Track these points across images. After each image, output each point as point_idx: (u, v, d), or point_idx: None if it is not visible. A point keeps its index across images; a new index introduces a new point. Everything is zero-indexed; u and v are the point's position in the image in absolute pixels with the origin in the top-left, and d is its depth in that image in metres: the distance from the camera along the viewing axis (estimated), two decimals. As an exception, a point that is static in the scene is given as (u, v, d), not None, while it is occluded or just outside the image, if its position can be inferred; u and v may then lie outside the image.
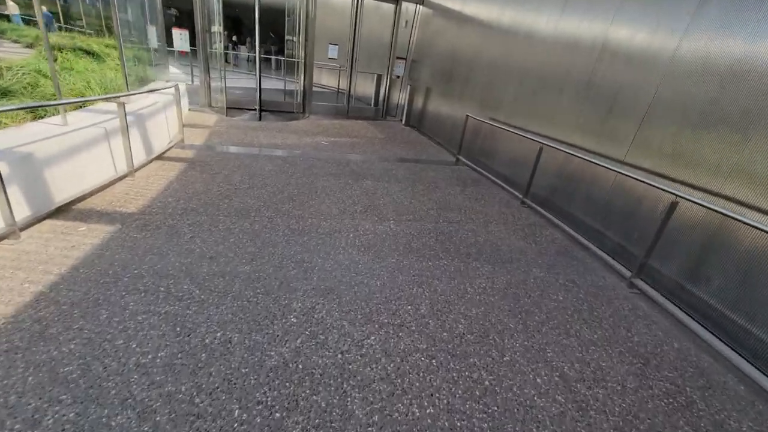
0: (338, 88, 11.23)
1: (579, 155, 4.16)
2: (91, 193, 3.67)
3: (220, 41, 7.97)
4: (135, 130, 4.55)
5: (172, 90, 5.69)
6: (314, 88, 14.62)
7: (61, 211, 3.24)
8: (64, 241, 2.81)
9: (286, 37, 8.85)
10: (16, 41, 11.87)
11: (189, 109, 8.03)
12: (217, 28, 7.98)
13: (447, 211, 4.51)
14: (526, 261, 3.56)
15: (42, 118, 4.16)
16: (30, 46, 10.76)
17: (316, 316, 2.38)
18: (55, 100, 4.18)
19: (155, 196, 3.87)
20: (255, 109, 8.14)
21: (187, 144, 5.83)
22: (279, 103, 9.17)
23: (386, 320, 2.45)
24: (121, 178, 4.16)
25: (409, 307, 2.62)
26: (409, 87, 9.10)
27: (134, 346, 1.93)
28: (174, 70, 9.18)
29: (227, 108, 8.20)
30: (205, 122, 7.29)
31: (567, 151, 4.33)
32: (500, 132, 5.83)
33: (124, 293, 2.32)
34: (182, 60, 14.14)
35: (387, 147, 7.31)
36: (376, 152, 6.83)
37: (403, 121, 9.46)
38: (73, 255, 2.64)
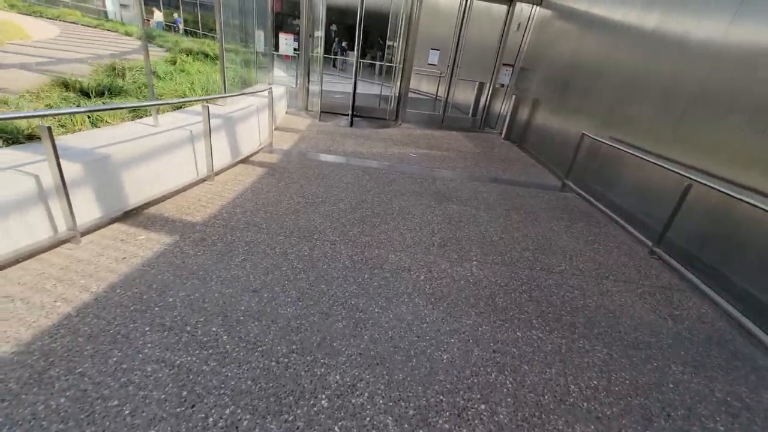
0: (436, 96, 10.62)
1: (752, 202, 2.94)
2: (167, 197, 3.63)
3: (321, 45, 7.96)
4: (223, 132, 4.52)
5: (267, 93, 5.68)
6: (412, 95, 14.28)
7: (131, 215, 3.20)
8: (119, 250, 2.68)
9: (387, 42, 8.53)
10: (160, 46, 13.66)
11: (286, 112, 8.18)
12: (321, 32, 7.99)
13: (547, 255, 3.61)
14: (660, 349, 2.54)
15: (140, 118, 4.32)
16: (169, 49, 12.24)
17: (354, 401, 1.81)
18: (154, 100, 4.32)
19: (225, 204, 3.70)
20: (347, 115, 7.96)
21: (275, 148, 5.78)
22: (372, 109, 8.91)
23: (447, 426, 1.77)
24: (200, 182, 4.11)
25: (483, 406, 1.90)
26: (514, 97, 8.11)
27: (126, 413, 1.57)
28: (280, 73, 9.51)
29: (321, 112, 8.17)
30: (297, 126, 7.29)
31: (733, 194, 3.11)
32: (626, 157, 4.65)
33: (147, 329, 2.03)
34: (290, 63, 14.90)
35: (481, 164, 6.49)
36: (467, 169, 6.07)
37: (503, 135, 8.48)
38: (119, 269, 2.48)
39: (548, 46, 7.49)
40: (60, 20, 20.34)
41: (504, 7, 8.21)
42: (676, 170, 3.73)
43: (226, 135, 4.62)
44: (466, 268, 3.17)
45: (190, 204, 3.60)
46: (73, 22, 20.38)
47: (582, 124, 5.75)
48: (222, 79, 5.34)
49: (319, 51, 8.01)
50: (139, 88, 5.35)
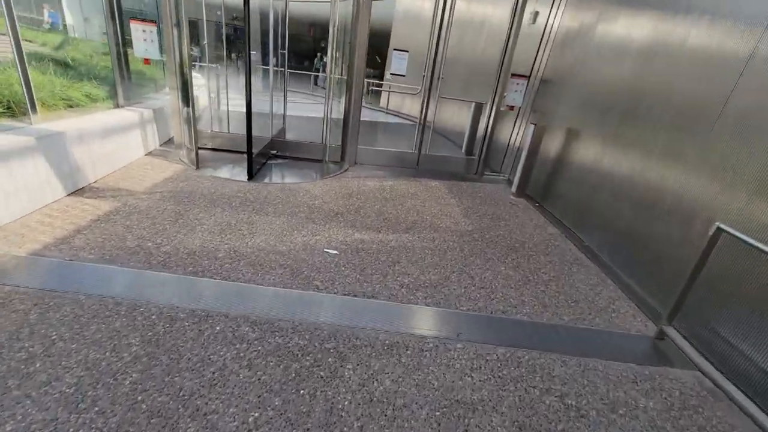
0: (422, 120, 7.19)
1: None
2: None
3: (181, 43, 4.79)
4: None
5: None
6: (390, 118, 11.10)
7: None
8: None
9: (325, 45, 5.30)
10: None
11: (149, 153, 4.89)
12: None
13: None
14: None
15: None
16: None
17: None
18: None
19: None
20: (257, 154, 4.67)
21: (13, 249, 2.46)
22: (300, 145, 5.64)
23: None
24: None
25: None
26: (532, 127, 4.84)
27: None
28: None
29: (204, 150, 4.90)
30: (143, 181, 4.00)
31: None
32: None
33: None
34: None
35: (473, 267, 3.17)
36: (443, 289, 2.75)
37: (514, 187, 5.18)
38: None
39: (597, 41, 4.27)
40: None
41: (512, -17, 5.06)
42: None
43: None
44: None
45: None
46: None
47: (702, 196, 2.47)
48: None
49: (184, 52, 4.79)
50: None
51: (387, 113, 12.00)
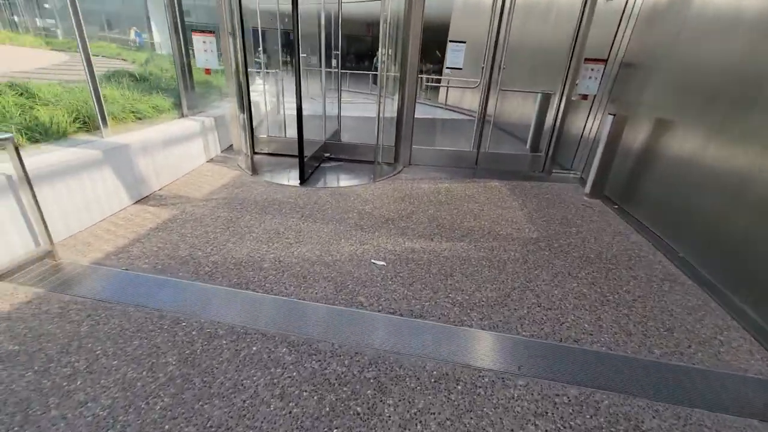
0: (481, 115, 6.64)
1: None
2: None
3: (236, 50, 4.84)
4: None
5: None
6: (451, 114, 10.67)
7: None
8: None
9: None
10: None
11: (211, 160, 5.09)
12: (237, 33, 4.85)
13: None
14: None
15: None
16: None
17: None
18: None
19: None
20: (310, 158, 4.65)
21: (66, 262, 2.62)
22: (354, 148, 5.52)
23: None
24: None
25: None
26: (611, 118, 4.22)
27: None
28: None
29: (261, 155, 4.97)
30: (202, 186, 4.13)
31: None
32: None
33: None
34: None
35: (538, 283, 2.77)
36: (503, 309, 2.41)
37: (588, 186, 4.58)
38: None
39: (696, 12, 3.56)
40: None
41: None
42: None
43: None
44: None
45: None
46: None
47: None
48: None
49: (239, 59, 4.86)
50: None
51: (446, 109, 11.56)
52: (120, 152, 3.40)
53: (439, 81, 12.73)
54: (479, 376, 1.92)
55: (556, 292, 2.67)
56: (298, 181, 4.37)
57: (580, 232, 3.62)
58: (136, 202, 3.61)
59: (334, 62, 6.03)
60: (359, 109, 9.81)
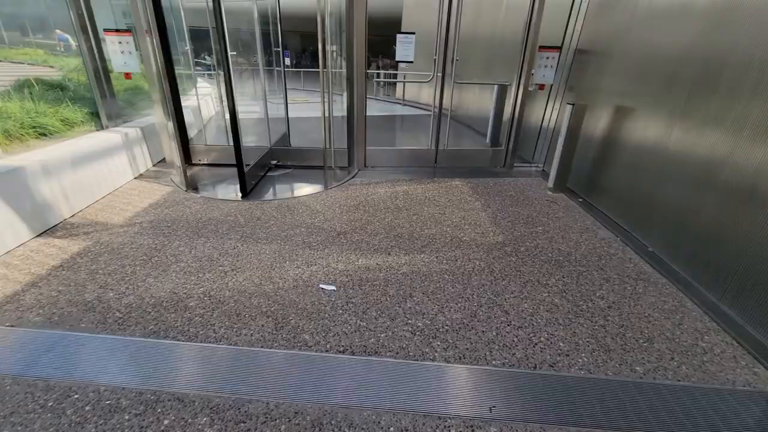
0: (437, 109, 6.24)
1: None
2: None
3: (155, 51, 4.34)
4: None
5: None
6: (409, 110, 10.38)
7: None
8: None
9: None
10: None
11: (139, 175, 4.51)
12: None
13: None
14: None
15: None
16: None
17: None
18: None
19: None
20: (253, 167, 4.19)
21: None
22: (304, 153, 5.11)
23: None
24: None
25: None
26: (570, 108, 4.03)
27: None
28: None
29: (192, 171, 4.46)
30: (125, 208, 3.59)
31: None
32: None
33: None
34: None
35: (506, 296, 2.50)
36: (469, 333, 2.11)
37: (551, 180, 4.40)
38: None
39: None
40: None
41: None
42: None
43: None
44: None
45: None
46: None
47: None
48: None
49: (159, 60, 4.31)
50: None
51: (404, 105, 11.27)
52: (11, 177, 2.84)
53: (395, 77, 12.42)
54: (445, 428, 1.60)
55: (526, 305, 2.40)
56: (240, 195, 3.91)
57: (546, 232, 3.40)
58: (39, 235, 3.05)
59: (288, 61, 5.57)
60: (316, 109, 9.33)
